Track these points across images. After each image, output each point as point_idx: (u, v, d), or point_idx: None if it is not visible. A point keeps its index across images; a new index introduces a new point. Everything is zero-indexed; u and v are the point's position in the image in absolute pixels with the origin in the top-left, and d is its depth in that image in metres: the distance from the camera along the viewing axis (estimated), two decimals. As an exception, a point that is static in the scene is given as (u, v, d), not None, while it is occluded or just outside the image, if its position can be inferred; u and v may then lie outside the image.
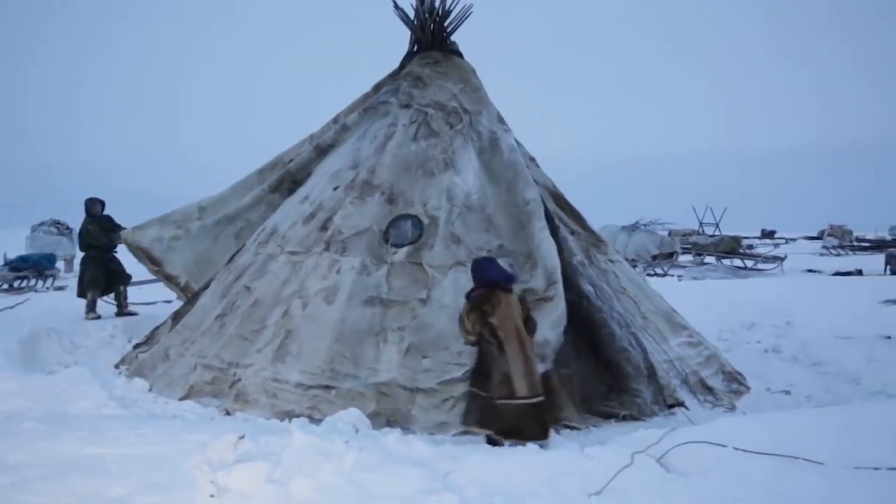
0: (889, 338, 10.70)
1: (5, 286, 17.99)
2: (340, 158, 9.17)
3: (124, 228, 10.66)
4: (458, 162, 8.55)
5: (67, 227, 27.67)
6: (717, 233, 40.12)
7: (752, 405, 8.10)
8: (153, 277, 10.66)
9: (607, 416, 7.32)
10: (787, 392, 8.58)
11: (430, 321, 7.24)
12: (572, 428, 6.95)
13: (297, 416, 6.65)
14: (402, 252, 7.80)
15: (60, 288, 18.06)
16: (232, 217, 9.83)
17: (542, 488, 4.87)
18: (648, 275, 22.81)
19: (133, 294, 13.92)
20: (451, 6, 9.46)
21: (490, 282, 6.27)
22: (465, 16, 9.55)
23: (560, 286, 7.04)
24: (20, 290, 17.86)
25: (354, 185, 8.54)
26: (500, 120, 9.31)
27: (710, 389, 8.32)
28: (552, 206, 8.85)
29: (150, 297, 13.18)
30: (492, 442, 6.02)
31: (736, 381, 8.75)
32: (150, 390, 7.80)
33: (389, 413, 6.76)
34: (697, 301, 12.53)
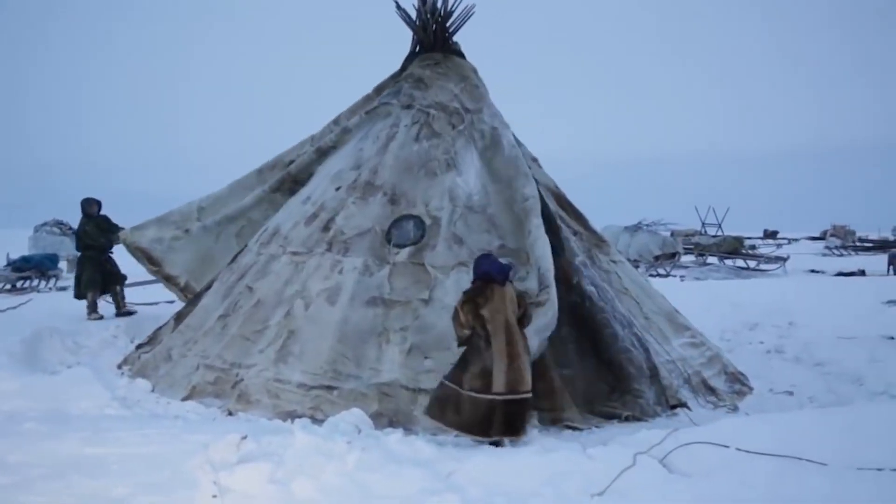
0: (892, 338, 10.67)
1: (8, 286, 18.02)
2: (343, 159, 9.18)
3: (122, 229, 10.66)
4: (461, 162, 8.55)
5: (70, 228, 27.72)
6: (719, 233, 40.09)
7: (754, 406, 8.08)
8: (153, 278, 10.66)
9: (609, 417, 7.31)
10: (790, 393, 8.57)
11: (433, 322, 7.24)
12: (574, 428, 6.94)
13: (300, 416, 6.65)
14: (405, 252, 7.80)
15: (63, 288, 18.06)
16: (233, 217, 9.84)
17: (544, 489, 4.87)
18: (651, 275, 22.80)
19: (136, 294, 13.92)
20: (453, 7, 9.46)
21: (485, 274, 6.26)
22: (467, 16, 9.55)
23: (553, 291, 6.94)
24: (23, 290, 17.88)
25: (357, 185, 8.54)
26: (501, 117, 9.31)
27: (712, 390, 8.31)
28: (554, 206, 8.85)
29: (153, 298, 13.18)
30: (494, 443, 6.00)
31: (738, 382, 8.74)
32: (153, 391, 7.80)
33: (391, 413, 6.75)
34: (700, 301, 12.52)
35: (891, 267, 24.27)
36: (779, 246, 41.19)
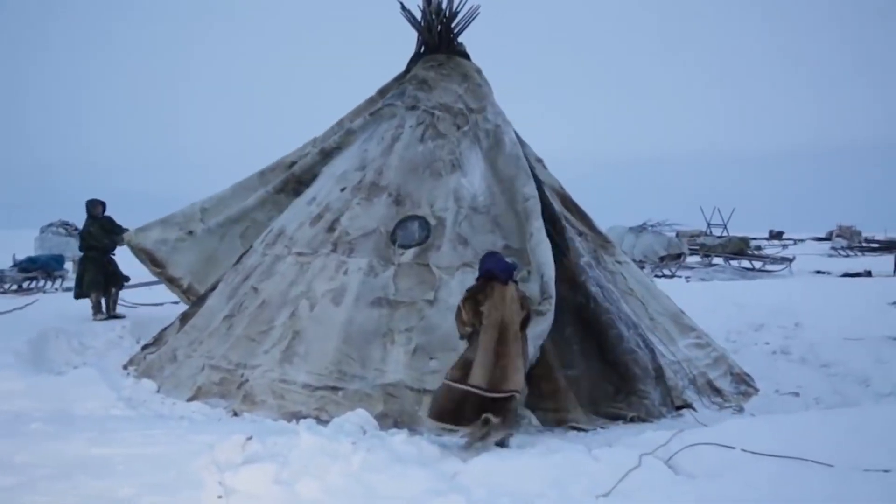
0: (898, 339, 10.63)
1: (14, 287, 18.06)
2: (348, 160, 9.19)
3: (126, 230, 10.68)
4: (466, 163, 8.55)
5: (76, 229, 27.80)
6: (724, 234, 40.02)
7: (760, 407, 8.06)
8: (156, 279, 10.68)
9: (615, 418, 7.29)
10: (796, 394, 8.54)
11: (438, 322, 7.23)
12: (579, 429, 6.94)
13: (305, 417, 6.65)
14: (410, 253, 7.80)
15: (69, 289, 18.07)
16: (237, 218, 9.86)
17: (549, 490, 4.87)
18: (656, 276, 22.76)
19: (142, 295, 13.94)
20: (458, 7, 9.46)
21: (488, 272, 6.23)
22: (472, 17, 9.56)
23: (553, 302, 6.89)
24: (29, 290, 17.92)
25: (362, 186, 8.55)
26: (503, 115, 9.32)
27: (718, 391, 8.29)
28: (559, 207, 8.84)
29: (159, 298, 13.20)
30: (499, 443, 5.99)
31: (744, 383, 8.72)
32: (158, 391, 7.81)
33: (396, 414, 6.75)
34: (705, 302, 12.50)
35: (897, 267, 24.21)
36: (784, 247, 41.10)
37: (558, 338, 7.11)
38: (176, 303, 11.77)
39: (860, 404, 7.84)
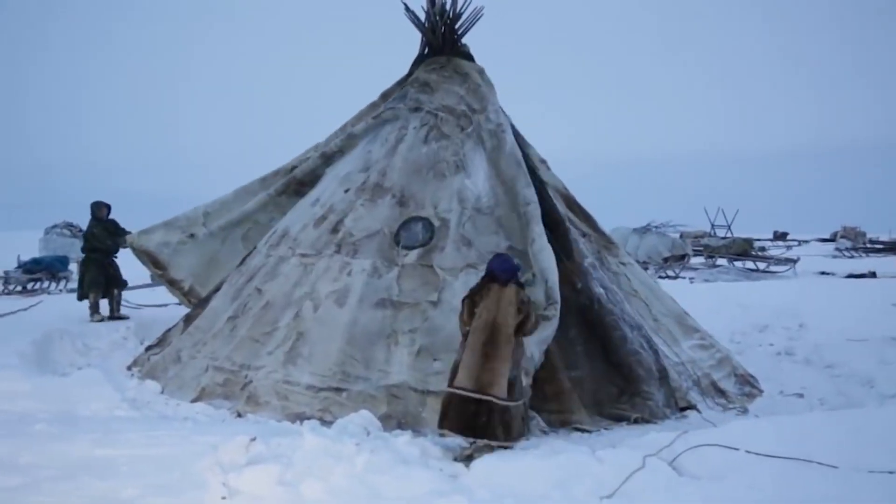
0: (903, 340, 10.60)
1: (19, 288, 18.11)
2: (351, 161, 9.19)
3: (129, 233, 10.70)
4: (469, 165, 8.55)
5: (80, 230, 27.87)
6: (728, 235, 39.97)
7: (764, 408, 8.04)
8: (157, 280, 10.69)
9: (619, 419, 7.29)
10: (800, 395, 8.53)
11: (441, 323, 7.23)
12: (583, 431, 6.94)
13: (309, 418, 6.65)
14: (413, 254, 7.80)
15: (74, 290, 18.12)
16: (238, 220, 9.89)
17: (553, 491, 4.87)
18: (660, 277, 22.73)
19: (146, 296, 13.96)
20: (461, 8, 9.46)
21: (489, 272, 6.23)
22: (476, 18, 9.55)
23: (559, 307, 6.87)
24: (33, 292, 17.97)
25: (365, 187, 8.55)
26: (504, 114, 9.32)
27: (722, 392, 8.28)
28: (563, 208, 8.83)
29: (162, 300, 13.22)
30: (503, 445, 5.99)
31: (748, 384, 8.70)
32: (162, 392, 7.82)
33: (400, 415, 6.75)
34: (709, 303, 12.48)
35: (902, 268, 24.13)
36: (789, 248, 41.02)
37: (562, 339, 7.10)
38: (179, 304, 11.80)
39: (864, 405, 7.82)
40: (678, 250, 29.08)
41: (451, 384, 5.87)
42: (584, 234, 8.88)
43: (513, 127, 9.24)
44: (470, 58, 9.80)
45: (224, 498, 4.74)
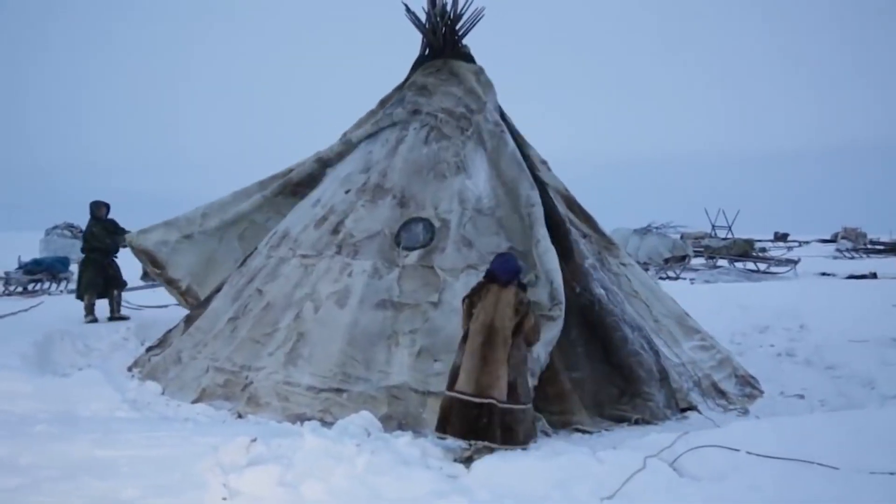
0: (904, 341, 10.59)
1: (20, 289, 18.12)
2: (352, 162, 9.20)
3: (128, 232, 10.71)
4: (470, 165, 8.55)
5: (81, 231, 27.91)
6: (729, 236, 39.96)
7: (765, 409, 8.04)
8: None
9: (619, 420, 7.28)
10: (801, 396, 8.52)
11: (442, 324, 7.23)
12: (584, 432, 6.94)
13: (309, 419, 6.66)
14: (414, 255, 7.80)
15: (74, 291, 18.15)
16: (234, 220, 9.93)
17: (554, 492, 4.87)
18: (661, 278, 22.73)
19: (146, 296, 13.95)
20: (462, 9, 9.46)
21: (490, 273, 6.21)
22: (476, 19, 9.55)
23: (564, 308, 6.90)
24: (34, 292, 17.98)
25: (366, 188, 8.56)
26: (504, 115, 9.32)
27: (722, 393, 8.28)
28: (563, 209, 8.82)
29: (164, 301, 13.22)
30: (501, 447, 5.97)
31: (749, 385, 8.70)
32: (163, 393, 7.83)
33: (401, 416, 6.75)
34: (710, 304, 12.48)
35: (903, 269, 24.12)
36: (789, 249, 41.01)
37: (563, 340, 7.10)
38: (179, 305, 11.80)
39: (865, 406, 7.81)
40: (679, 251, 29.09)
41: (451, 388, 5.86)
42: (584, 235, 8.87)
43: (512, 128, 9.24)
44: (470, 59, 9.79)
45: (224, 499, 4.74)
